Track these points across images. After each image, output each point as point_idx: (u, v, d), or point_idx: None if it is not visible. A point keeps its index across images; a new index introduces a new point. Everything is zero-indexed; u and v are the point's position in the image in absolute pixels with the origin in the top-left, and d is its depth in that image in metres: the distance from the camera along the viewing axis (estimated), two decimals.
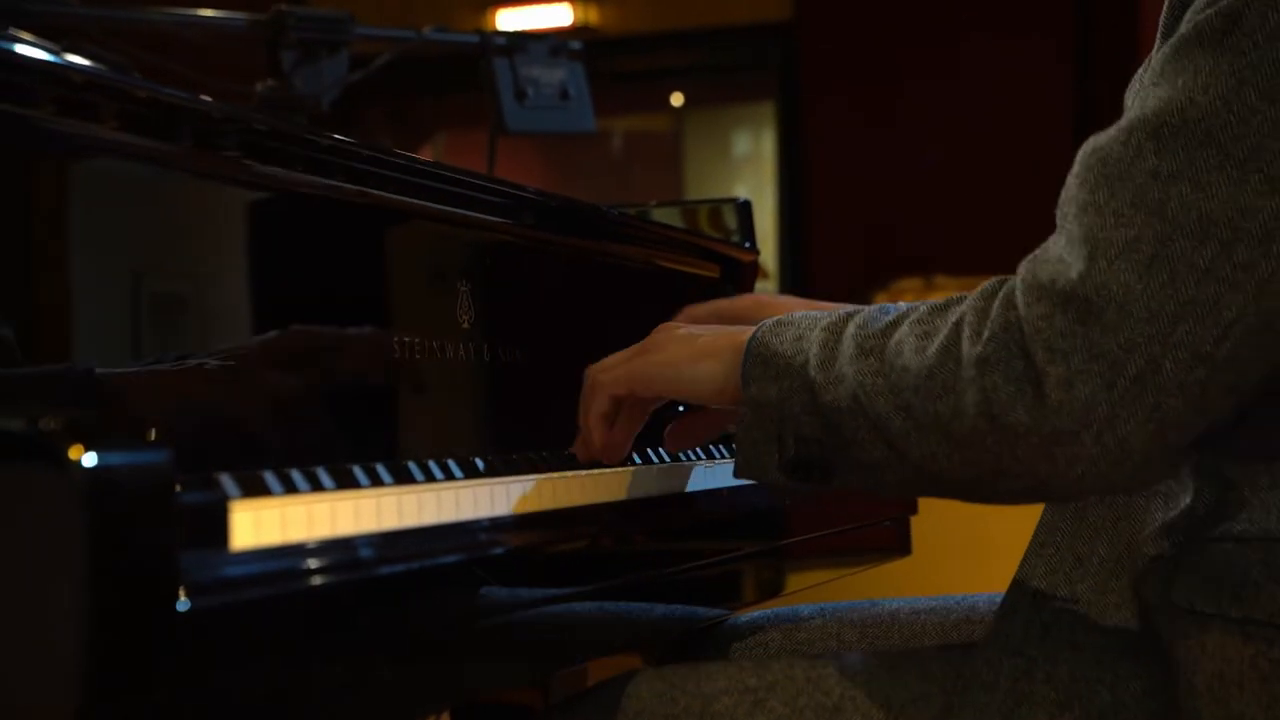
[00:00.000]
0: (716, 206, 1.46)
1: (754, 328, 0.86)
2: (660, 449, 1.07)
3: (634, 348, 0.93)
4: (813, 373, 0.80)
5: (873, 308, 0.83)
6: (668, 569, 0.99)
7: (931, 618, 1.06)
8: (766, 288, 4.44)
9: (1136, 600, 0.83)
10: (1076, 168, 0.75)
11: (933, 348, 0.76)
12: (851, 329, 0.81)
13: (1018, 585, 0.87)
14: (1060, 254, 0.73)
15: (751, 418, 0.83)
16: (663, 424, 1.00)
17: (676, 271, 1.31)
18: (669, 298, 1.31)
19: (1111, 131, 0.74)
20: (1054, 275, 0.72)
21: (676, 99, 5.55)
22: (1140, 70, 0.85)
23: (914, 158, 4.24)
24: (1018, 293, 0.74)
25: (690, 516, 1.02)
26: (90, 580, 0.55)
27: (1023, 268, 0.75)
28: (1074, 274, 0.72)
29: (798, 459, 0.81)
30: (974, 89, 4.21)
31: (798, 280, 4.51)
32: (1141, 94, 0.75)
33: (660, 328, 0.94)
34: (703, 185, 5.40)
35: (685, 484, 1.02)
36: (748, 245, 1.43)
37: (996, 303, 0.75)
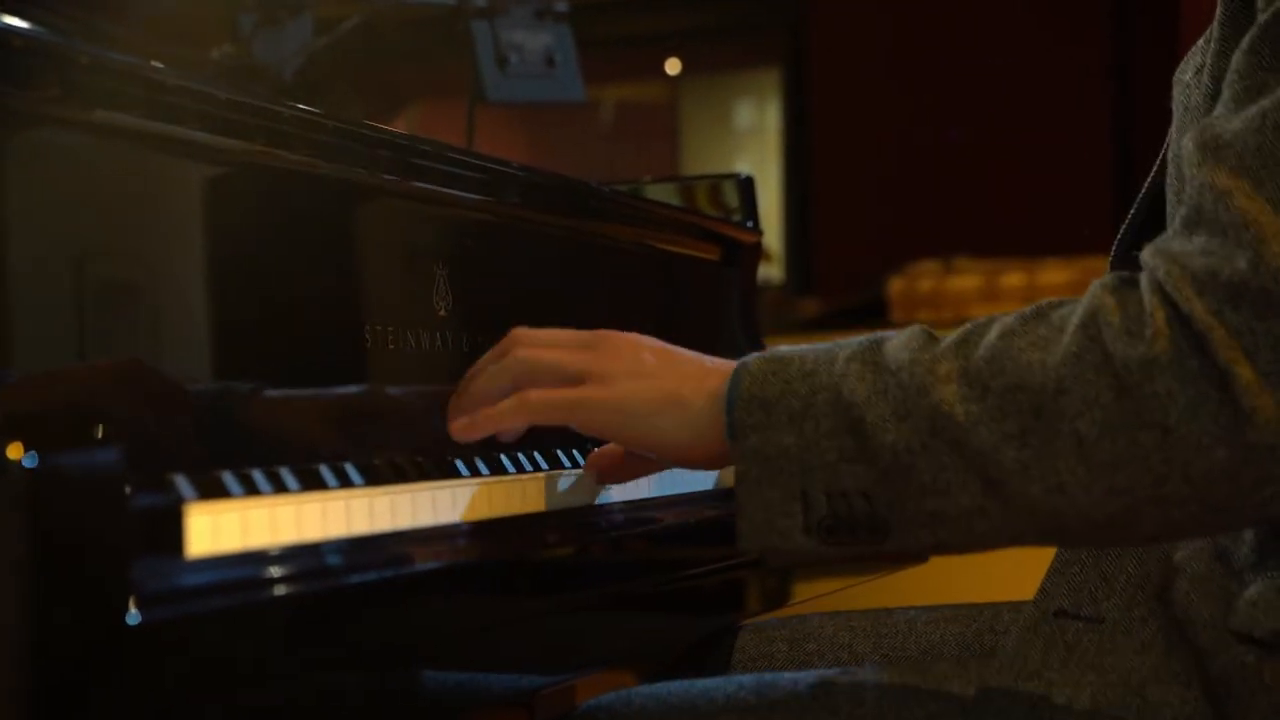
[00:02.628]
0: (716, 183, 1.45)
1: (722, 366, 0.80)
2: None
3: (577, 355, 0.85)
4: (857, 410, 0.74)
5: (900, 333, 0.78)
6: (665, 576, 0.99)
7: (952, 628, 1.06)
8: (771, 271, 4.44)
9: (1169, 618, 0.82)
10: (1199, 161, 0.72)
11: (1054, 358, 0.71)
12: (900, 355, 0.75)
13: (1039, 602, 0.86)
14: (1204, 245, 0.70)
15: (758, 474, 0.76)
16: None
17: (673, 254, 1.31)
18: (665, 282, 1.31)
19: (1233, 125, 0.72)
20: (1212, 267, 0.69)
21: (672, 66, 5.54)
22: (1199, 43, 0.85)
23: (933, 131, 4.24)
24: (1168, 287, 0.70)
25: (692, 519, 1.02)
26: (31, 591, 0.55)
27: (1155, 263, 0.71)
28: (1242, 263, 0.68)
29: (836, 518, 0.75)
30: (1003, 57, 4.20)
31: (803, 264, 4.51)
32: (1249, 86, 0.73)
33: (606, 340, 0.86)
34: (701, 160, 5.40)
35: (687, 485, 1.02)
36: (750, 225, 1.43)
37: (1146, 297, 0.70)
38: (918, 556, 1.40)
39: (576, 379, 0.85)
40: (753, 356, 0.80)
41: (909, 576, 1.41)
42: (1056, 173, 4.03)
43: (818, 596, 1.23)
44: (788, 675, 0.88)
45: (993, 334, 0.74)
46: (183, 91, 0.80)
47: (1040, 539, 0.76)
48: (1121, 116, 4.06)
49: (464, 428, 0.86)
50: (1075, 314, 0.72)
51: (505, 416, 0.86)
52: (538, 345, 0.87)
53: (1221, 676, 0.78)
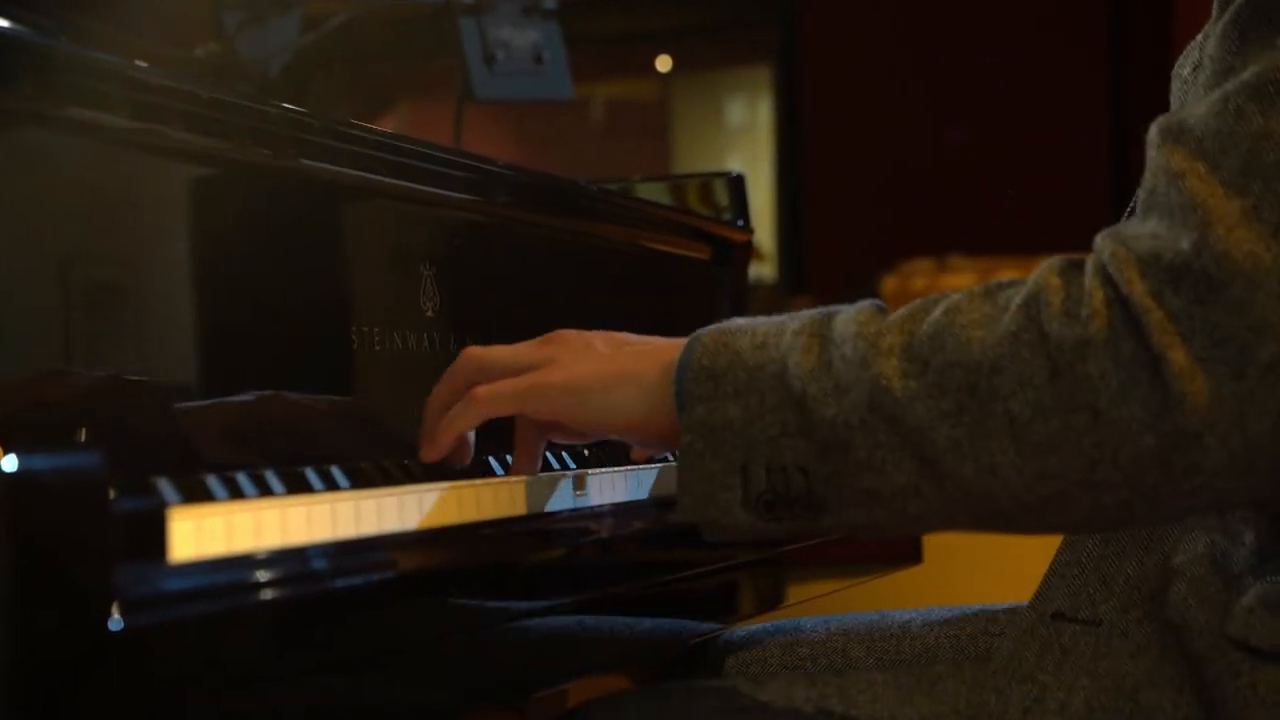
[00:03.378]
0: (707, 181, 1.46)
1: (673, 344, 0.80)
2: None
3: (526, 350, 0.85)
4: (799, 384, 0.74)
5: (852, 307, 0.77)
6: (656, 580, 0.99)
7: (946, 630, 1.06)
8: (763, 270, 4.45)
9: (1164, 621, 0.82)
10: (1156, 150, 0.72)
11: (993, 336, 0.70)
12: (848, 328, 0.75)
13: (1037, 604, 0.86)
14: (1154, 229, 0.69)
15: (701, 446, 0.76)
16: None
17: (663, 253, 1.31)
18: (656, 281, 1.31)
19: (1197, 109, 0.71)
20: (1156, 249, 0.68)
21: (663, 63, 5.54)
22: (1197, 39, 0.85)
23: (927, 128, 4.24)
24: (1111, 268, 0.69)
25: (681, 522, 1.02)
26: (12, 596, 0.55)
27: (1105, 244, 0.71)
28: (1185, 245, 0.67)
29: (774, 493, 0.74)
30: (998, 54, 4.20)
31: (796, 261, 4.51)
32: (1219, 69, 0.72)
33: (558, 335, 0.86)
34: (692, 158, 5.40)
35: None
36: (741, 224, 1.43)
37: (1088, 278, 0.69)
38: (913, 557, 1.40)
39: (527, 370, 0.85)
40: (707, 329, 0.80)
41: (904, 579, 1.41)
42: (1052, 170, 4.04)
43: (811, 599, 1.24)
44: (781, 679, 0.88)
45: (939, 310, 0.73)
46: (166, 90, 0.80)
47: (974, 522, 0.75)
48: (1117, 113, 4.07)
49: (426, 449, 0.87)
50: (1019, 293, 0.72)
51: (457, 419, 0.85)
52: (485, 359, 0.87)
53: (1215, 683, 0.78)
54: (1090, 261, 0.71)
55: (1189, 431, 0.67)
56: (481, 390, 0.85)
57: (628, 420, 0.82)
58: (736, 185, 1.44)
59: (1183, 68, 0.86)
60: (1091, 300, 0.69)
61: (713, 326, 0.79)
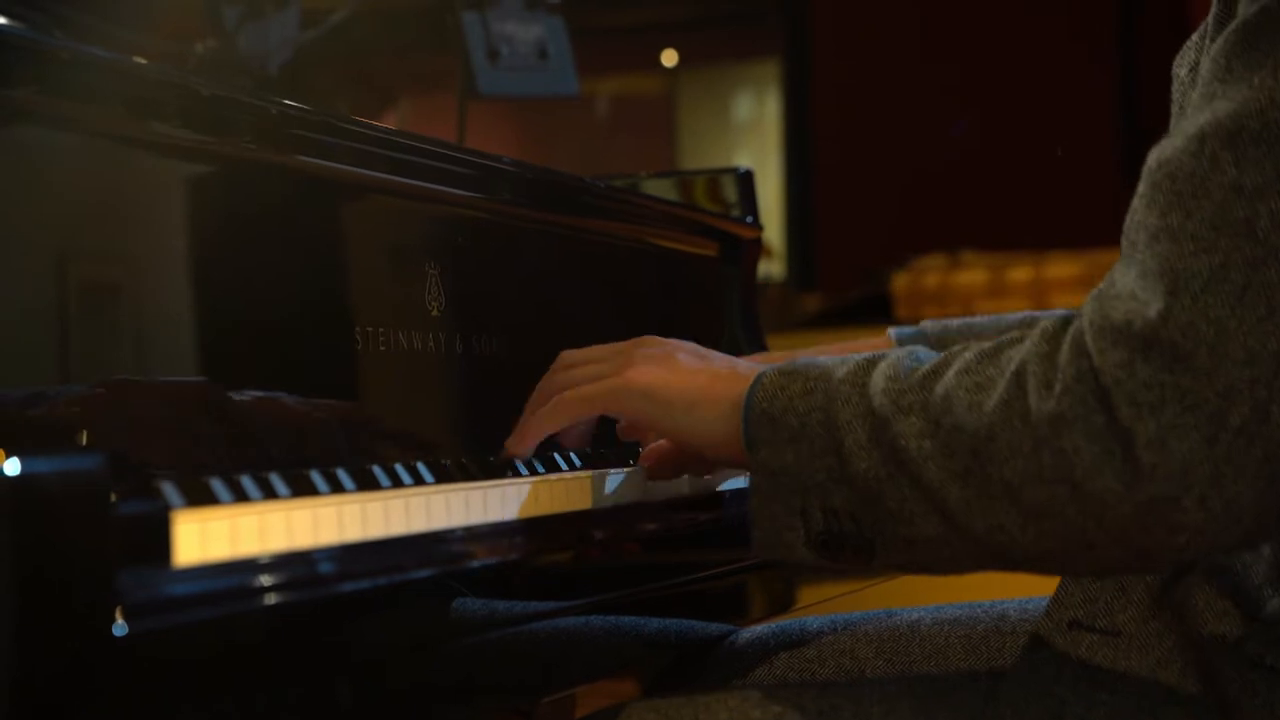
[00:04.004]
0: (715, 177, 1.46)
1: (750, 372, 0.83)
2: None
3: (613, 356, 0.90)
4: (840, 435, 0.77)
5: (899, 351, 0.80)
6: (663, 582, 0.99)
7: (956, 629, 1.06)
8: (772, 267, 4.44)
9: (1184, 634, 0.82)
10: (1142, 187, 0.73)
11: (990, 403, 0.72)
12: (879, 381, 0.77)
13: (1053, 612, 0.86)
14: (1132, 289, 0.70)
15: (767, 488, 0.80)
16: None
17: (671, 250, 1.31)
18: (663, 279, 1.31)
19: (1178, 141, 0.72)
20: (1128, 316, 0.69)
21: (669, 57, 5.54)
22: (1193, 38, 0.84)
23: (937, 122, 4.24)
24: (1087, 337, 0.70)
25: (689, 523, 1.02)
26: (14, 602, 0.55)
27: (1088, 307, 0.72)
28: (1153, 313, 0.68)
29: (829, 534, 0.78)
30: (1009, 48, 4.20)
31: (805, 259, 4.51)
32: (1205, 94, 0.72)
33: (644, 340, 0.91)
34: (699, 154, 5.40)
35: (684, 488, 1.02)
36: (750, 220, 1.43)
37: (1064, 348, 0.71)
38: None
39: (612, 373, 0.89)
40: (770, 368, 0.83)
41: (915, 579, 1.41)
42: (1063, 165, 4.03)
43: (822, 601, 1.23)
44: (792, 687, 0.87)
45: (954, 369, 0.76)
46: (165, 87, 0.80)
47: (1001, 567, 0.77)
48: (1128, 107, 4.06)
49: (514, 443, 0.92)
50: (1016, 358, 0.73)
51: (546, 419, 0.90)
52: (577, 360, 0.92)
53: (1235, 701, 0.78)
54: (1073, 327, 0.73)
55: (1164, 498, 0.68)
56: (569, 394, 0.90)
57: (708, 441, 0.86)
58: (745, 181, 1.44)
59: (1180, 67, 0.86)
60: (1065, 375, 0.71)
61: (773, 366, 0.83)
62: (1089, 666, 0.83)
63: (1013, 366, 0.73)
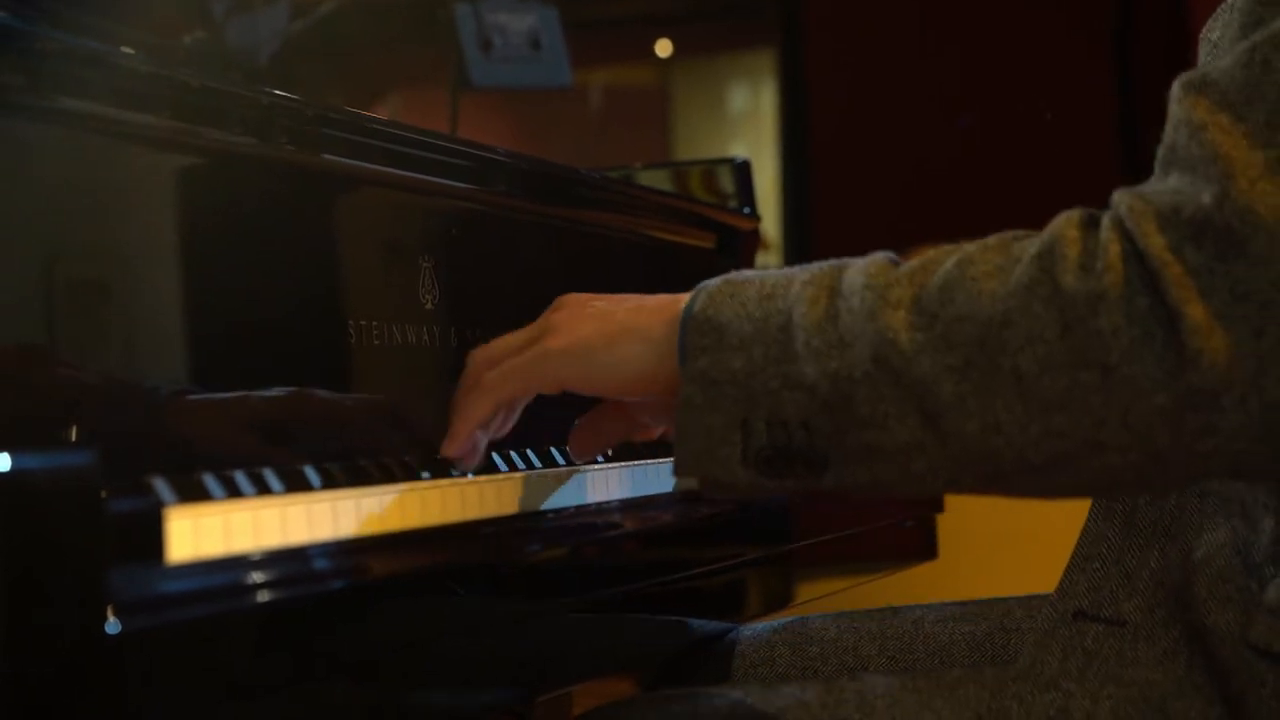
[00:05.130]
0: (711, 168, 1.46)
1: (686, 296, 0.79)
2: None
3: (528, 329, 0.84)
4: (804, 335, 0.73)
5: (875, 255, 0.76)
6: (661, 579, 0.99)
7: (960, 627, 1.06)
8: (768, 260, 4.44)
9: (1189, 624, 0.81)
10: (1178, 105, 0.71)
11: (1005, 289, 0.69)
12: (856, 279, 0.74)
13: (1058, 602, 0.86)
14: (1175, 183, 0.68)
15: (702, 399, 0.75)
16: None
17: (667, 242, 1.31)
18: (659, 271, 1.31)
19: (1222, 61, 0.70)
20: (1176, 203, 0.67)
21: (663, 48, 5.53)
22: (1214, 17, 0.83)
23: (936, 113, 4.24)
24: (1128, 222, 0.68)
25: (686, 518, 1.02)
26: (5, 600, 0.55)
27: (1124, 197, 0.70)
28: (1206, 198, 0.66)
29: (774, 449, 0.73)
30: (1008, 39, 4.20)
31: (802, 250, 4.51)
32: (1248, 22, 0.71)
33: (559, 301, 0.85)
34: (694, 145, 5.39)
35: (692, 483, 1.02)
36: (747, 211, 1.43)
37: (1104, 231, 0.68)
38: (926, 553, 1.40)
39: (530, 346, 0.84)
40: (715, 279, 0.79)
41: (917, 574, 1.41)
42: (1064, 155, 4.04)
43: (821, 597, 1.24)
44: (793, 684, 0.87)
45: (951, 261, 0.73)
46: (154, 79, 0.80)
47: (977, 483, 0.74)
48: (1129, 97, 4.07)
49: (447, 445, 0.86)
50: (1034, 245, 0.71)
51: (471, 410, 0.85)
52: (490, 355, 0.86)
53: (1240, 695, 0.77)
54: (1108, 214, 0.70)
55: (1204, 390, 0.66)
56: (488, 376, 0.84)
57: (636, 375, 0.81)
58: (742, 171, 1.44)
59: (1211, 31, 0.85)
60: (1107, 254, 0.68)
61: (721, 277, 0.78)
62: (1094, 658, 0.83)
63: (1032, 251, 0.70)
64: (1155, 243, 0.67)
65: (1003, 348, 0.69)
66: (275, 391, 0.84)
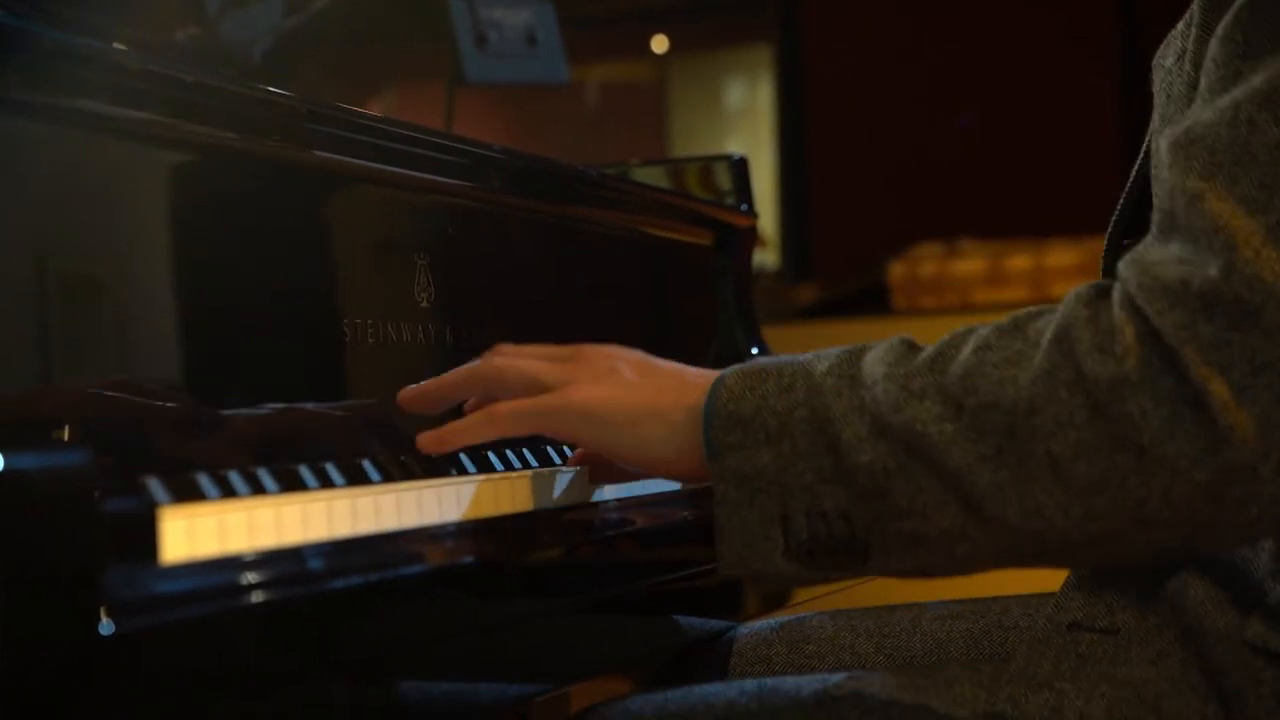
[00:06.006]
0: (708, 165, 1.46)
1: (700, 379, 0.80)
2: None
3: (552, 366, 0.84)
4: (833, 428, 0.73)
5: (881, 344, 0.77)
6: (659, 577, 0.99)
7: (958, 625, 1.06)
8: (765, 257, 4.44)
9: (1183, 627, 0.81)
10: (1170, 162, 0.71)
11: (1027, 375, 0.70)
12: (876, 369, 0.74)
13: (1054, 616, 0.86)
14: (1178, 254, 0.69)
15: (737, 496, 0.76)
16: None
17: (664, 239, 1.31)
18: (656, 268, 1.31)
19: (1207, 116, 0.71)
20: (1183, 276, 0.68)
21: (659, 43, 5.53)
22: (1178, 27, 0.84)
23: (934, 109, 4.24)
24: (1139, 300, 0.69)
25: (683, 517, 1.02)
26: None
27: (1129, 272, 0.70)
28: (1213, 271, 0.67)
29: (815, 541, 0.74)
30: (1008, 33, 4.20)
31: (799, 248, 4.51)
32: (1226, 74, 0.72)
33: (580, 352, 0.85)
34: (690, 142, 5.39)
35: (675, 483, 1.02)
36: (745, 208, 1.43)
37: (1115, 311, 0.69)
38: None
39: (547, 389, 0.85)
40: (731, 370, 0.79)
41: None
42: (1062, 151, 4.04)
43: (819, 596, 1.24)
44: (790, 681, 0.87)
45: (968, 348, 0.73)
46: (147, 75, 0.80)
47: (1024, 561, 0.75)
48: (1128, 94, 4.07)
49: (430, 441, 0.87)
50: (1050, 328, 0.71)
51: (471, 430, 0.86)
52: (513, 355, 0.87)
53: (1237, 693, 0.78)
54: (1116, 291, 0.71)
55: (1241, 465, 0.67)
56: (503, 407, 0.85)
57: (658, 458, 0.82)
58: (739, 168, 1.44)
59: (1164, 58, 0.85)
60: (1123, 335, 0.69)
61: (735, 368, 0.79)
62: (1087, 659, 0.83)
63: (1049, 334, 0.71)
64: (1169, 320, 0.68)
65: (1033, 434, 0.70)
66: (266, 410, 0.84)
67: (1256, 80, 0.70)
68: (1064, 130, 4.12)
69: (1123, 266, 0.71)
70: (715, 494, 0.77)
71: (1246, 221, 0.67)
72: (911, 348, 0.76)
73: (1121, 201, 0.91)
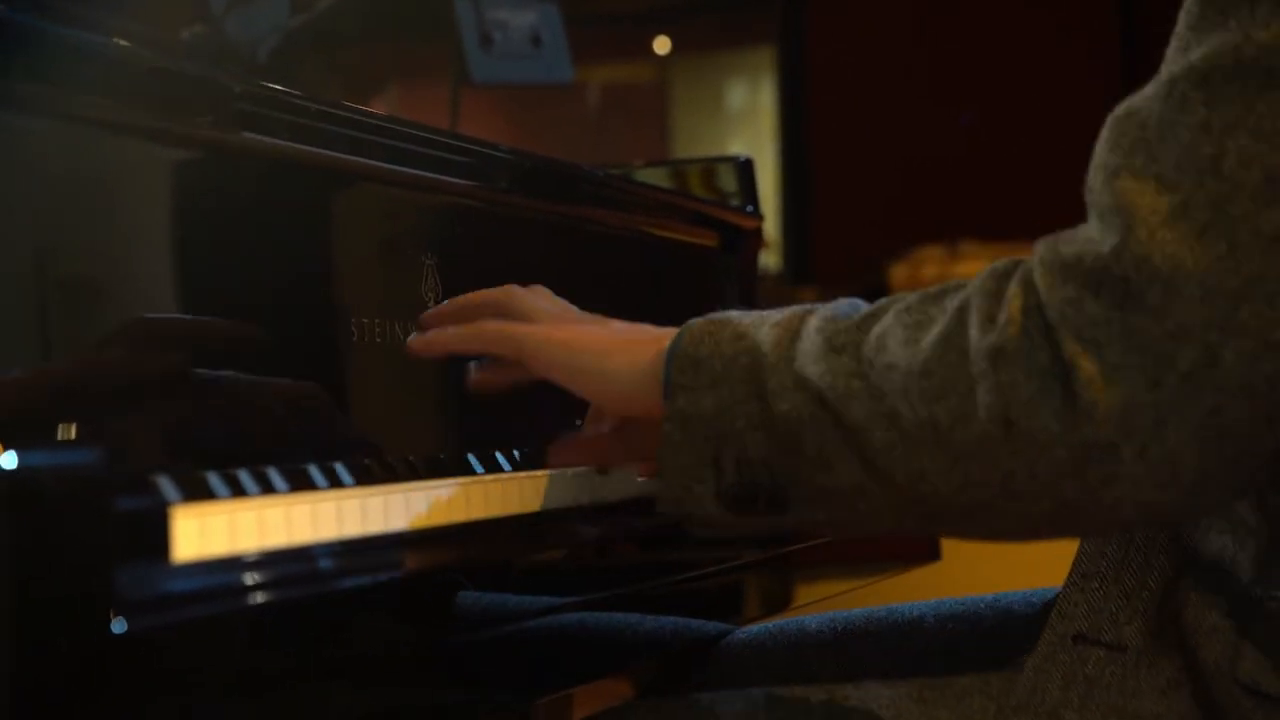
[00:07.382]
0: (712, 166, 1.46)
1: (670, 330, 0.81)
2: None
3: (548, 307, 0.88)
4: (762, 376, 0.75)
5: (840, 301, 0.78)
6: (660, 579, 0.99)
7: (960, 627, 1.06)
8: (767, 259, 4.44)
9: (1189, 653, 0.80)
10: (1105, 133, 0.71)
11: (928, 339, 0.71)
12: (815, 322, 0.76)
13: (1056, 623, 0.85)
14: (1088, 232, 0.69)
15: (679, 437, 0.77)
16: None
17: (670, 240, 1.31)
18: (662, 269, 1.31)
19: (1147, 90, 0.70)
20: (1080, 251, 0.68)
21: (662, 44, 5.53)
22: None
23: (937, 111, 4.24)
24: (1035, 274, 0.69)
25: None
26: (11, 600, 0.55)
27: (1040, 246, 0.71)
28: (1106, 248, 0.67)
29: (742, 487, 0.75)
30: (1009, 35, 4.20)
31: (801, 250, 4.51)
32: (1178, 46, 0.71)
33: (537, 291, 0.89)
34: (692, 143, 5.40)
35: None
36: (750, 210, 1.43)
37: (1012, 284, 0.70)
38: (930, 555, 1.40)
39: (540, 321, 0.87)
40: (701, 317, 0.80)
41: (917, 575, 1.41)
42: (1064, 153, 4.04)
43: (820, 600, 1.24)
44: (797, 689, 0.87)
45: (894, 309, 0.74)
46: (152, 72, 0.80)
47: (919, 525, 0.75)
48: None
49: (419, 344, 0.89)
50: (958, 297, 0.72)
51: (457, 339, 0.87)
52: (524, 293, 0.89)
53: None
54: (1023, 265, 0.71)
55: (1100, 443, 0.66)
56: (492, 325, 0.87)
57: (616, 392, 0.82)
58: (745, 170, 1.44)
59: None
60: (1010, 307, 0.69)
61: (708, 315, 0.80)
62: (1095, 685, 0.82)
63: (955, 303, 0.71)
64: (1057, 295, 0.67)
65: (923, 396, 0.70)
66: (277, 390, 0.84)
67: (1194, 56, 0.68)
68: (1065, 132, 4.11)
69: (1039, 242, 0.71)
70: (662, 433, 0.78)
71: (1153, 200, 0.66)
72: (856, 306, 0.77)
73: None
